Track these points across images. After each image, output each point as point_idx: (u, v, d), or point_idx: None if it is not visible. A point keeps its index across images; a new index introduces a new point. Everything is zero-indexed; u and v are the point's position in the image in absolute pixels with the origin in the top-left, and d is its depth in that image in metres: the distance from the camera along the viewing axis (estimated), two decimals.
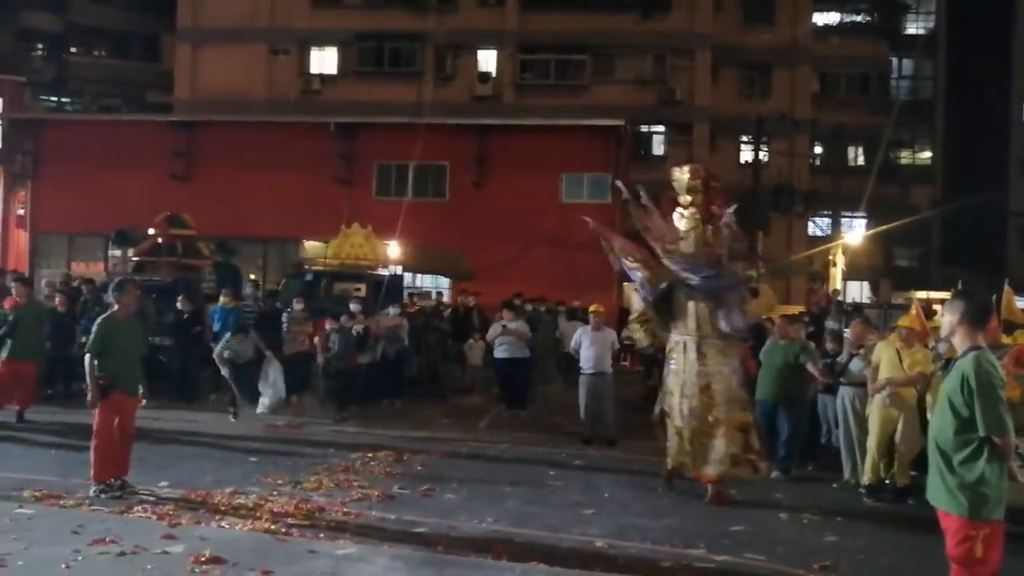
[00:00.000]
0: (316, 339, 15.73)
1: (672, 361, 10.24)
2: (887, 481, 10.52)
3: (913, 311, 11.25)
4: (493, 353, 16.32)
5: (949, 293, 5.69)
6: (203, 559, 6.61)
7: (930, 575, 6.34)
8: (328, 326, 15.19)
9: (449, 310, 20.91)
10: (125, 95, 42.18)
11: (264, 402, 14.34)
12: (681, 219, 10.29)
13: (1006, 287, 11.26)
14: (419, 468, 11.03)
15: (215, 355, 14.43)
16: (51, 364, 15.67)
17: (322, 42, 37.71)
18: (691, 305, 10.09)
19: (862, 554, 8.03)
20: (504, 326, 15.81)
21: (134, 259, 19.24)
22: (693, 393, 9.96)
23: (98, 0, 43.76)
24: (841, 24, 42.82)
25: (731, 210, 10.14)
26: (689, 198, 10.26)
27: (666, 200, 10.56)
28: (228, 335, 14.47)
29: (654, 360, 18.14)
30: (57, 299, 16.30)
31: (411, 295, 21.72)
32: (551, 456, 12.34)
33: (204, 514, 8.32)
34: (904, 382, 10.19)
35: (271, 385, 14.30)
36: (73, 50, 44.05)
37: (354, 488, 9.68)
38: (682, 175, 10.38)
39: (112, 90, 42.75)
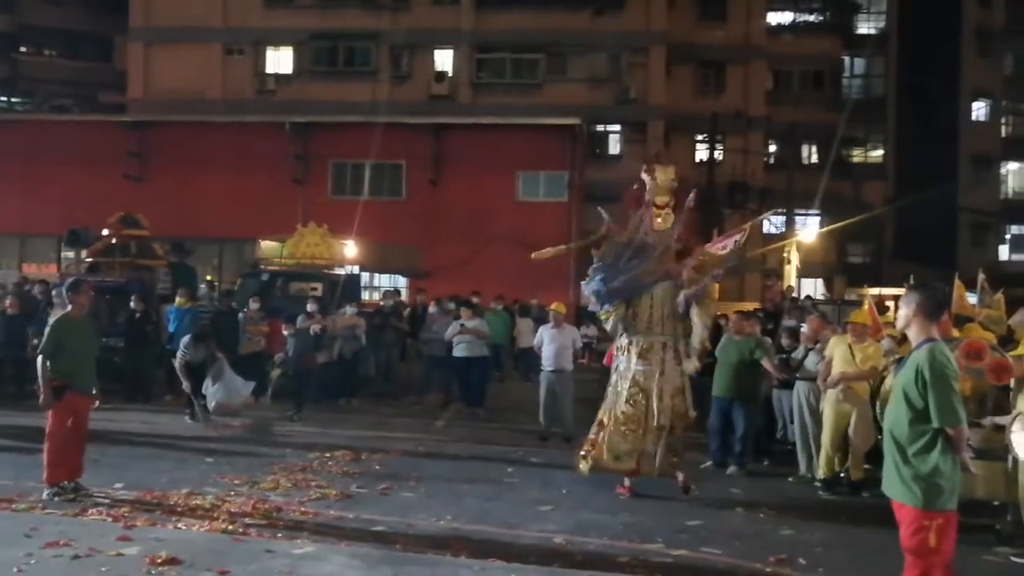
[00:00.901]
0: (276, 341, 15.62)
1: (645, 362, 10.01)
2: (842, 475, 10.66)
3: (865, 307, 11.40)
4: (451, 352, 16.24)
5: (902, 289, 5.78)
6: (159, 560, 6.55)
7: (885, 566, 6.41)
8: (285, 332, 15.06)
9: (407, 309, 20.88)
10: (77, 95, 41.53)
11: (211, 404, 14.12)
12: (656, 218, 10.29)
13: (956, 281, 11.43)
14: (377, 467, 11.00)
15: (176, 366, 14.16)
16: (0, 366, 15.44)
17: (277, 42, 37.45)
18: (664, 306, 10.09)
19: (818, 547, 8.12)
20: (462, 325, 15.80)
21: (87, 260, 19.01)
22: (671, 392, 9.93)
23: None
24: (794, 23, 43.21)
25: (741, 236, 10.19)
26: (666, 198, 10.31)
27: (633, 195, 10.55)
28: (186, 339, 14.25)
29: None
30: (8, 301, 16.04)
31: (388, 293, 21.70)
32: (509, 454, 12.34)
33: (160, 515, 8.24)
34: (857, 376, 10.32)
35: (223, 386, 14.09)
36: (24, 50, 43.43)
37: (312, 487, 9.63)
38: (665, 175, 10.39)
39: (64, 90, 42.13)
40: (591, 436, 10.20)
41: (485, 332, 16.08)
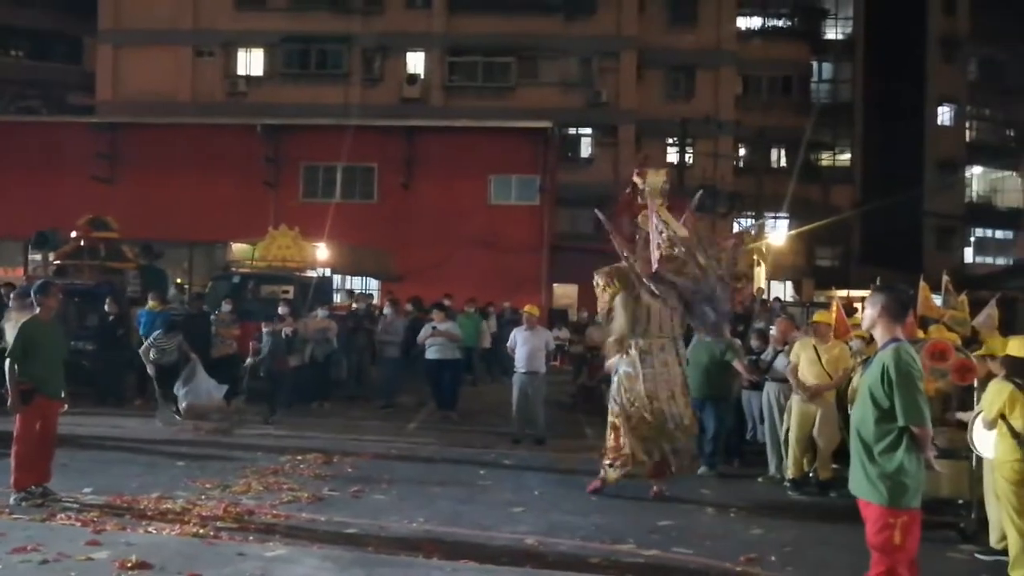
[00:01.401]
0: (249, 342, 15.58)
1: (645, 364, 10.04)
2: (811, 475, 10.76)
3: (832, 308, 11.52)
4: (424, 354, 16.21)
5: (868, 291, 5.87)
6: (129, 564, 6.50)
7: (852, 563, 6.50)
8: (264, 329, 15.03)
9: (379, 312, 20.84)
10: (45, 96, 41.17)
11: (182, 407, 14.07)
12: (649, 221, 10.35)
13: (922, 283, 11.55)
14: (349, 470, 10.97)
15: (140, 351, 14.20)
16: None
17: (248, 44, 37.38)
18: (659, 306, 10.16)
19: (787, 546, 8.20)
20: (434, 327, 15.79)
21: (55, 262, 18.80)
22: (675, 393, 10.05)
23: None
24: (763, 28, 43.57)
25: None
26: (659, 200, 10.36)
27: (625, 199, 10.61)
28: (157, 333, 14.22)
29: (583, 360, 18.35)
30: None
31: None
32: (481, 456, 12.36)
33: (130, 520, 8.16)
34: (833, 385, 10.42)
35: (194, 388, 14.04)
36: None
37: (283, 490, 9.59)
38: (656, 178, 10.42)
39: (32, 91, 41.69)
40: (610, 444, 10.17)
41: (457, 335, 16.07)
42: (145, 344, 14.18)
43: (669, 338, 10.21)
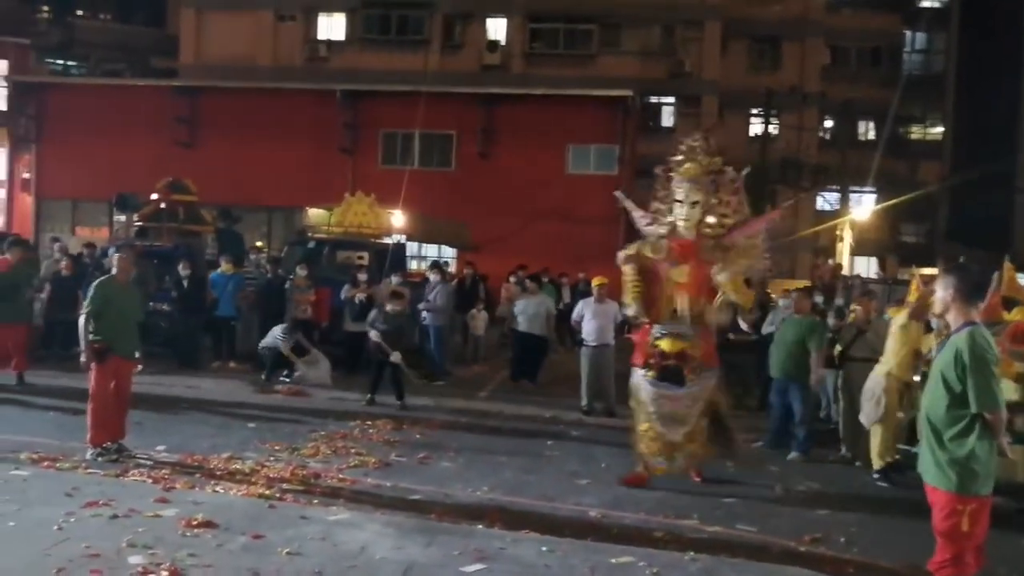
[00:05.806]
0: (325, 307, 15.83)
1: None
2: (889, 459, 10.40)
3: (912, 286, 11.20)
4: (512, 325, 16.10)
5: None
6: (195, 523, 6.61)
7: (918, 548, 6.32)
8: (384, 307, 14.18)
9: (455, 281, 20.84)
10: (130, 59, 41.90)
11: (315, 373, 14.67)
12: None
13: (1007, 263, 11.17)
14: (417, 437, 11.05)
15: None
16: (50, 327, 15.65)
17: (329, 8, 37.53)
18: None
19: (853, 527, 8.06)
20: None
21: (137, 224, 19.15)
22: None
23: None
24: None
25: None
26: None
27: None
28: (282, 328, 14.84)
29: None
30: (63, 263, 16.22)
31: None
32: (549, 427, 12.35)
33: (200, 479, 8.35)
34: None
35: (324, 363, 14.75)
36: (79, 13, 43.81)
37: (351, 455, 9.70)
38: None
39: (117, 54, 42.47)
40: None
41: (552, 309, 16.08)
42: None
43: None
